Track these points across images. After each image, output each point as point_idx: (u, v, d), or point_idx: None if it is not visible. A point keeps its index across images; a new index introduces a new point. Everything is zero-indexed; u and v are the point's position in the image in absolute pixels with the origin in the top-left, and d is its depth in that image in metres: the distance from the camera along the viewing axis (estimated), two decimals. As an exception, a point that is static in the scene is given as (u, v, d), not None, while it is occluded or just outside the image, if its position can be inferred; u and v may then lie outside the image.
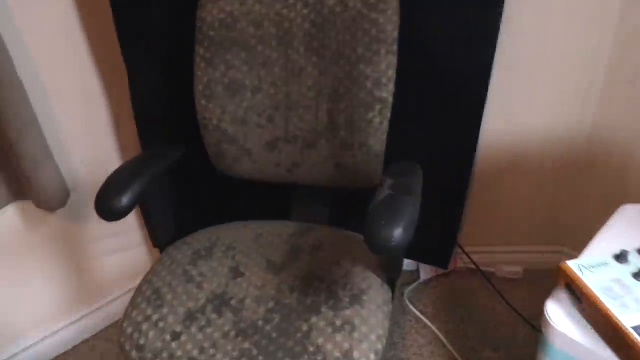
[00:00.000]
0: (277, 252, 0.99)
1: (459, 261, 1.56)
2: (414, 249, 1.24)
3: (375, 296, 0.86)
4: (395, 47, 0.92)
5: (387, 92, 0.93)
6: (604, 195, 1.34)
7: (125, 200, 0.85)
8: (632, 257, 0.77)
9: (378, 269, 0.92)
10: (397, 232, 0.70)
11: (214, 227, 1.09)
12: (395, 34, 0.92)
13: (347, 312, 0.82)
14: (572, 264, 0.75)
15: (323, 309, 0.83)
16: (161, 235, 1.04)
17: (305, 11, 0.96)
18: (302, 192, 1.15)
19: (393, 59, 0.92)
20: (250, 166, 1.07)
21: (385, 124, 0.95)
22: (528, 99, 1.26)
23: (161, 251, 1.04)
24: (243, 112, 1.02)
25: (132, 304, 0.90)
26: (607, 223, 0.91)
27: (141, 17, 1.12)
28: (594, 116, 1.27)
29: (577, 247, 1.47)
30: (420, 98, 1.17)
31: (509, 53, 1.17)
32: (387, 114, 0.94)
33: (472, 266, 1.50)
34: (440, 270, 1.56)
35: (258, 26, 0.98)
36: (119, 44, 1.14)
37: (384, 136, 0.96)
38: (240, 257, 0.98)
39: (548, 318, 0.74)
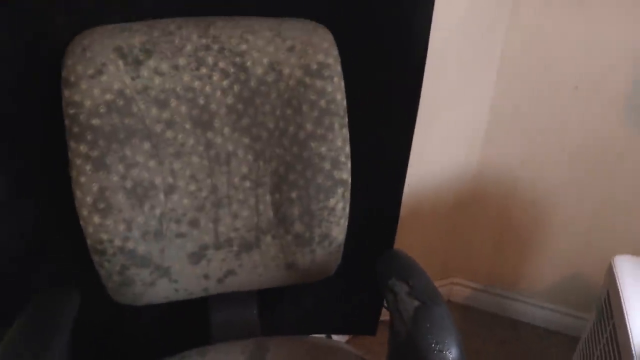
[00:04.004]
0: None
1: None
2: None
3: None
4: (346, 119, 0.78)
5: (347, 173, 0.78)
6: (488, 226, 1.43)
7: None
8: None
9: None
10: (457, 356, 0.57)
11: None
12: (345, 103, 0.78)
13: None
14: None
15: None
16: None
17: (224, 83, 0.75)
18: (222, 301, 0.91)
19: (347, 134, 0.78)
20: (168, 288, 0.80)
21: (347, 209, 0.80)
22: (425, 143, 1.25)
23: None
24: (157, 222, 0.75)
25: None
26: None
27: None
28: (482, 150, 1.33)
29: (466, 276, 1.54)
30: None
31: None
32: (349, 197, 0.80)
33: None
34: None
35: (163, 106, 0.73)
36: None
37: (346, 223, 0.81)
38: None
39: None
